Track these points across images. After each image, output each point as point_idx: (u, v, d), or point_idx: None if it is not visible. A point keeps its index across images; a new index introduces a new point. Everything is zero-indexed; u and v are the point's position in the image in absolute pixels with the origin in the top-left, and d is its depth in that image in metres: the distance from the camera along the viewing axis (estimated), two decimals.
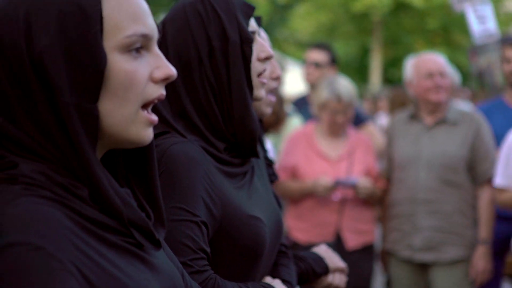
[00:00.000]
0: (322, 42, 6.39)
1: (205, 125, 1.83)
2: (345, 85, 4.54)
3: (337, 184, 4.41)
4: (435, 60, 4.50)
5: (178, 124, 1.82)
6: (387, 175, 4.61)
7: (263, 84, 1.91)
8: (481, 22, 6.64)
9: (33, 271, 1.01)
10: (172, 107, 1.83)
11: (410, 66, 4.55)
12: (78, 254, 1.07)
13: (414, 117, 4.51)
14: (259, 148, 2.03)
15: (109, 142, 1.20)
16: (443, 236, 4.33)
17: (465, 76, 17.48)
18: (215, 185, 1.77)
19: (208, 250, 1.73)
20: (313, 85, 5.42)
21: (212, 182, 1.76)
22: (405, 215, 4.40)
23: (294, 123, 5.20)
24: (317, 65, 5.51)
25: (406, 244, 4.39)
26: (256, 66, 1.88)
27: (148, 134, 1.20)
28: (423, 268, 4.42)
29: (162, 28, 1.86)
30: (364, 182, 4.45)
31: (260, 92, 1.90)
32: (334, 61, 5.61)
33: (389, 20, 19.17)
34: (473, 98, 9.83)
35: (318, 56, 5.55)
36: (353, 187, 4.44)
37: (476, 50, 6.68)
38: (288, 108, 5.36)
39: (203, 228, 1.72)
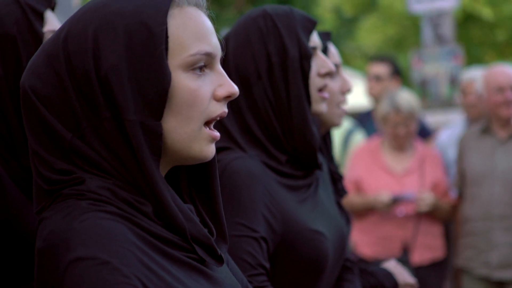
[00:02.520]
0: (383, 55, 6.35)
1: (267, 138, 1.84)
2: (405, 97, 4.50)
3: (395, 200, 4.36)
4: (506, 73, 4.40)
5: (241, 137, 1.83)
6: (459, 191, 4.52)
7: (323, 98, 1.91)
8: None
9: (100, 284, 1.05)
10: (236, 120, 1.85)
11: (480, 80, 4.47)
12: (142, 268, 1.09)
13: (486, 131, 4.41)
14: (323, 161, 2.02)
15: (173, 159, 1.22)
16: None
17: None
18: (276, 200, 1.77)
19: (268, 266, 1.74)
20: (376, 98, 5.39)
21: (272, 197, 1.77)
22: (480, 231, 4.29)
23: (357, 139, 5.17)
24: (378, 78, 5.48)
25: (483, 262, 4.28)
26: (316, 81, 1.88)
27: (210, 150, 1.22)
28: (500, 286, 4.28)
29: (226, 42, 1.89)
30: (424, 197, 4.38)
31: (320, 106, 1.90)
32: (397, 73, 5.57)
33: (458, 32, 18.91)
34: None
35: (379, 69, 5.52)
36: (413, 202, 4.39)
37: (422, 56, 6.53)
38: (349, 123, 5.33)
39: (263, 243, 1.73)
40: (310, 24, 1.88)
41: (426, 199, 4.37)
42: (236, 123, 1.84)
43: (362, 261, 4.46)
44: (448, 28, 6.62)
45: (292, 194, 1.83)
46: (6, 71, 1.68)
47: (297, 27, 1.85)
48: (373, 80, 5.50)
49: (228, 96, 1.22)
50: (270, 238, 1.75)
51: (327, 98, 1.93)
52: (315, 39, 1.90)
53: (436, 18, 6.68)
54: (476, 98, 4.88)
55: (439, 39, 6.66)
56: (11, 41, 1.68)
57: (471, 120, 5.07)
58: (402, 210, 4.42)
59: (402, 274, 2.17)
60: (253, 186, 1.75)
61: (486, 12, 17.37)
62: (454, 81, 7.21)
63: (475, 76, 5.03)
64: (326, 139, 2.17)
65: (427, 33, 6.68)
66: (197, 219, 1.23)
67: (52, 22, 1.75)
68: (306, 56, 1.83)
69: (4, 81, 1.68)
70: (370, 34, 19.84)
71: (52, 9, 1.79)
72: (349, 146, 5.14)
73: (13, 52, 1.68)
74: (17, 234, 1.63)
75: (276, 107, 1.83)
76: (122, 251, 1.08)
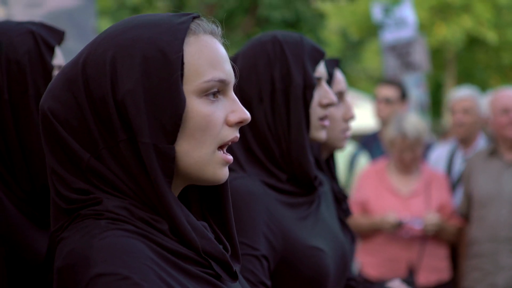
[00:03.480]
0: (393, 78, 6.40)
1: (267, 158, 1.87)
2: (412, 122, 4.52)
3: (401, 224, 4.39)
4: (511, 95, 4.46)
5: (243, 155, 1.87)
6: (465, 213, 4.55)
7: (323, 126, 1.93)
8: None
9: None
10: (239, 139, 1.87)
11: (487, 103, 4.53)
12: (161, 283, 1.12)
13: (493, 153, 4.44)
14: (325, 180, 2.05)
15: (186, 180, 1.25)
16: None
17: None
18: (276, 218, 1.80)
19: (269, 283, 1.76)
20: (384, 121, 5.43)
21: (273, 216, 1.80)
22: (486, 253, 4.30)
23: (362, 162, 5.21)
24: (387, 101, 5.52)
25: (489, 284, 4.29)
26: (317, 111, 1.91)
27: (223, 173, 1.26)
28: None
29: (233, 62, 1.92)
30: (431, 219, 4.40)
31: (320, 133, 1.93)
32: (405, 97, 5.63)
33: (463, 55, 18.94)
34: None
35: (389, 92, 5.57)
36: (419, 226, 4.40)
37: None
38: (354, 147, 5.37)
39: (264, 261, 1.76)
40: (318, 55, 1.91)
41: (432, 219, 4.39)
42: (238, 141, 1.87)
43: (367, 282, 4.47)
44: (419, 56, 6.70)
45: (293, 211, 1.86)
46: (11, 96, 1.71)
47: (305, 56, 1.88)
48: (383, 102, 5.54)
49: (240, 122, 1.26)
50: (270, 256, 1.78)
51: (327, 126, 1.95)
52: (321, 70, 1.93)
53: (406, 46, 6.78)
54: (463, 116, 4.94)
55: (410, 67, 6.76)
56: (21, 69, 1.72)
57: (460, 140, 5.09)
58: (407, 231, 4.45)
59: None
60: (253, 205, 1.78)
61: (490, 36, 17.42)
62: (423, 108, 7.37)
63: (464, 95, 5.10)
64: (330, 161, 2.20)
65: (390, 61, 6.79)
66: (212, 236, 1.26)
67: (60, 58, 1.80)
68: (309, 85, 1.86)
69: (8, 105, 1.71)
70: (376, 56, 19.92)
71: (59, 45, 1.83)
72: (354, 169, 5.17)
73: (20, 79, 1.72)
74: (18, 255, 1.65)
75: (275, 132, 1.86)
76: (141, 267, 1.11)
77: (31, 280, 1.65)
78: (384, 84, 5.74)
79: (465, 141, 5.05)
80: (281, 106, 1.85)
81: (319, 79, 1.92)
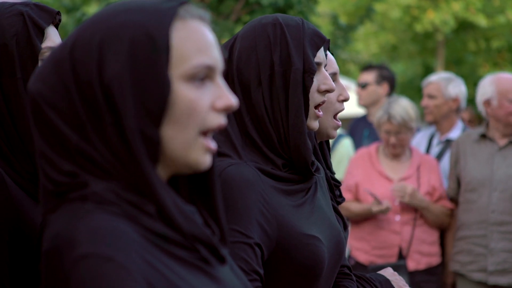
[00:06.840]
0: (372, 63, 6.55)
1: (264, 142, 1.85)
2: (401, 105, 4.52)
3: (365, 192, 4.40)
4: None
5: (239, 140, 1.85)
6: (454, 196, 4.55)
7: (317, 116, 1.92)
8: None
9: (104, 280, 1.09)
10: (236, 121, 1.87)
11: (490, 85, 4.45)
12: (145, 265, 1.13)
13: (484, 136, 4.44)
14: (321, 168, 2.04)
15: (172, 168, 1.25)
16: None
17: None
18: (271, 205, 1.79)
19: (262, 271, 1.75)
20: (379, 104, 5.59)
21: (267, 203, 1.78)
22: (476, 237, 4.32)
23: (345, 144, 5.26)
24: (363, 85, 5.71)
25: (479, 267, 4.31)
26: (315, 97, 1.90)
27: (205, 161, 1.25)
28: None
29: (232, 43, 1.90)
30: (401, 186, 4.40)
31: (313, 123, 1.91)
32: (384, 80, 5.78)
33: (453, 39, 18.97)
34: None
35: (367, 76, 5.77)
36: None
37: None
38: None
39: (257, 249, 1.75)
40: (319, 40, 1.89)
41: (406, 188, 4.40)
42: (236, 124, 1.86)
43: (357, 266, 4.48)
44: None
45: (289, 198, 1.85)
46: (1, 80, 1.72)
47: (306, 40, 1.86)
48: (359, 87, 5.71)
49: (227, 108, 1.25)
50: (264, 244, 1.77)
51: (321, 116, 1.94)
52: (321, 55, 1.91)
53: None
54: (428, 100, 4.99)
55: None
56: (8, 52, 1.73)
57: (435, 125, 5.12)
58: (398, 215, 4.47)
59: (398, 282, 2.19)
60: (247, 192, 1.76)
61: (480, 20, 17.42)
62: None
63: (431, 80, 5.12)
64: (323, 146, 2.19)
65: None
66: (199, 220, 1.27)
67: (53, 39, 1.79)
68: (309, 70, 1.84)
69: None
70: (366, 41, 19.95)
71: (57, 25, 1.82)
72: (336, 151, 5.22)
73: (8, 63, 1.73)
74: (25, 235, 1.67)
75: (273, 116, 1.85)
76: (126, 248, 1.12)
77: (34, 259, 1.66)
78: (363, 70, 5.88)
79: (439, 125, 5.05)
80: (279, 90, 1.84)
81: (318, 64, 1.91)
